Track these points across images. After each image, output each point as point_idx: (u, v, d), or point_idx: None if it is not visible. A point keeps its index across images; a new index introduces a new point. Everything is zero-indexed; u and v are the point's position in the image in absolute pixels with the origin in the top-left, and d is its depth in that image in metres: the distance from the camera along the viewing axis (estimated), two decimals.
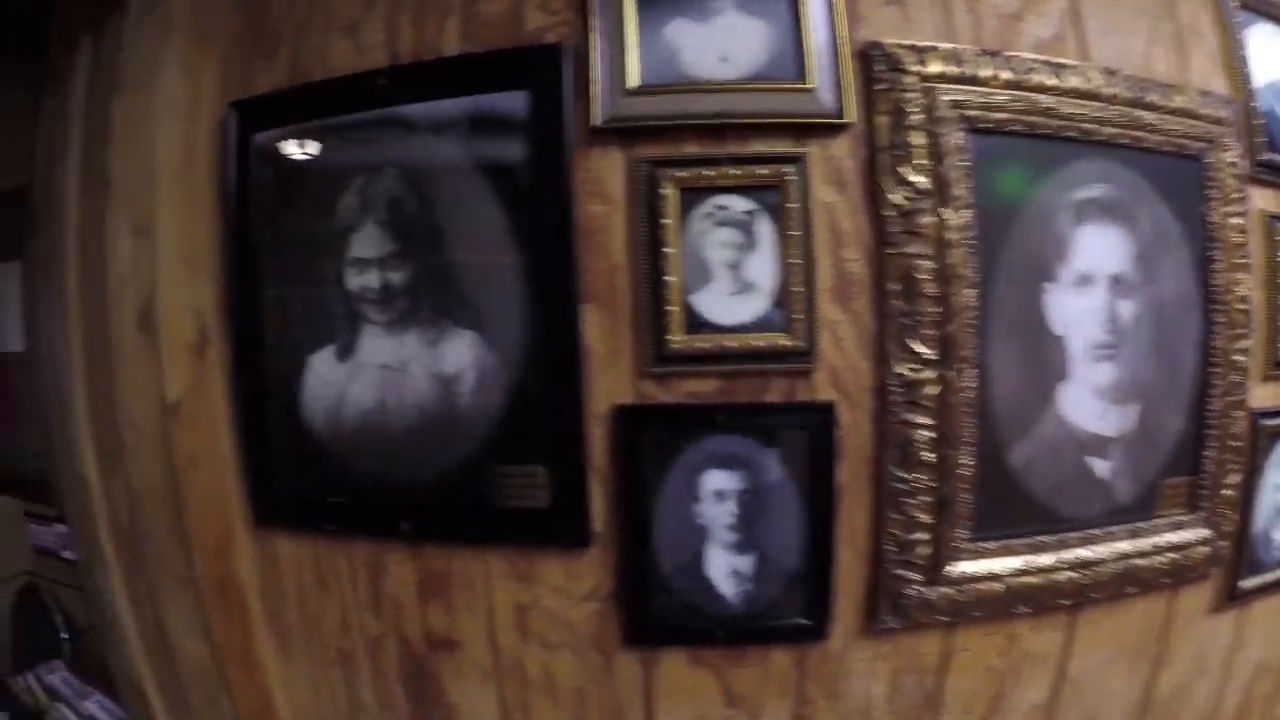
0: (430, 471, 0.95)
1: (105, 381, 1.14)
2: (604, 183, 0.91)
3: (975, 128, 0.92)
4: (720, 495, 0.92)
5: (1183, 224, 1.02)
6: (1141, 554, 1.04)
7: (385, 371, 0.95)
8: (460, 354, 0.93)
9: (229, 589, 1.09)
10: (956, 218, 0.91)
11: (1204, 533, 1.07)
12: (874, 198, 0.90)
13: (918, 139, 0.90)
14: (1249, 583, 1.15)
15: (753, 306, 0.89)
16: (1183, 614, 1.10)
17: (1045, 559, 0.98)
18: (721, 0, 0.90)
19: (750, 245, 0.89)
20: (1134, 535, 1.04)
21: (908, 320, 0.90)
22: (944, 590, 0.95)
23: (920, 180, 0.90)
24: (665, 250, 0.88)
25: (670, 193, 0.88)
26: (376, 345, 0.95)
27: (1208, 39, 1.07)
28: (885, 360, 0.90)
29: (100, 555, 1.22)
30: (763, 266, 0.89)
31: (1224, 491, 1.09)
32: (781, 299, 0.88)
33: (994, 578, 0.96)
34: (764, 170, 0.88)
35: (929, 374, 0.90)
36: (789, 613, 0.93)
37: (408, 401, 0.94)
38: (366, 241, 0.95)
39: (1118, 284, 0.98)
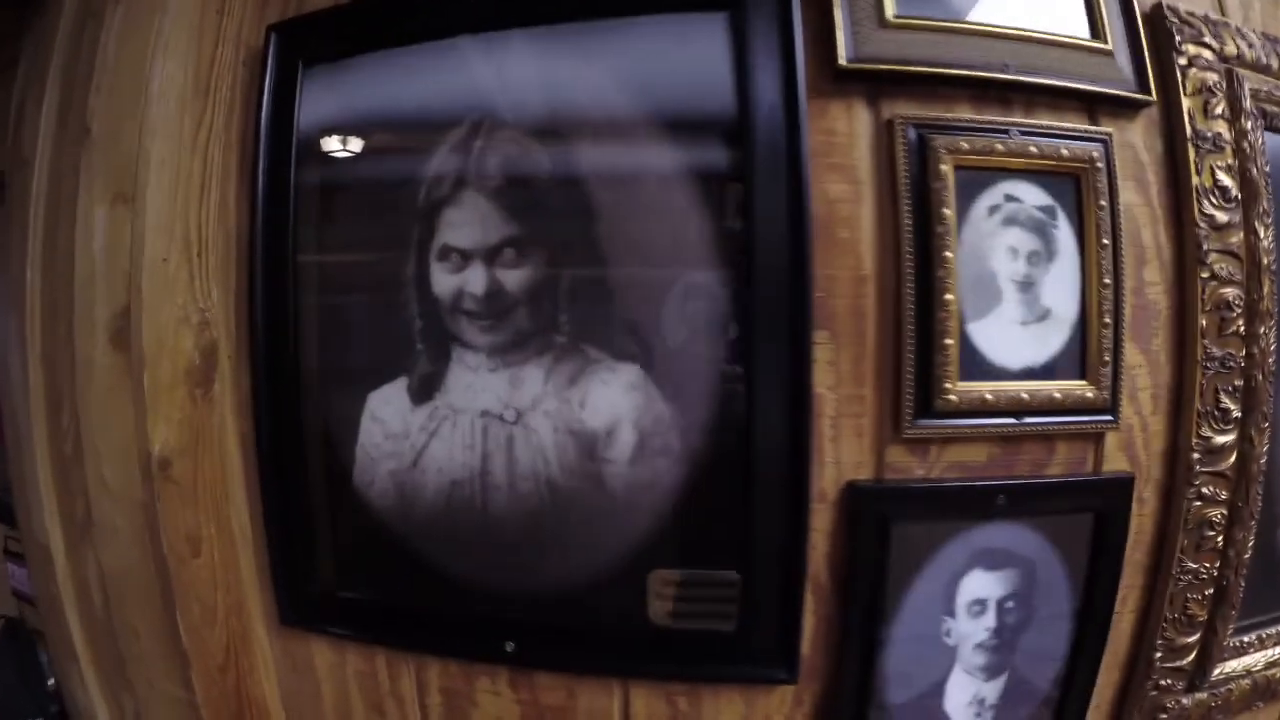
0: (557, 575, 0.42)
1: (72, 422, 0.53)
2: (846, 153, 0.42)
3: (1272, 126, 0.50)
4: (980, 605, 0.44)
5: None
6: None
7: (489, 422, 0.42)
8: (614, 400, 0.41)
9: (245, 712, 0.50)
10: (1266, 238, 0.50)
11: None
12: (1179, 203, 0.46)
13: (1226, 132, 0.47)
14: None
15: (1049, 343, 0.42)
16: None
17: None
18: None
19: (1048, 256, 0.42)
20: None
21: (1217, 366, 0.46)
22: (1200, 696, 0.51)
23: (1232, 185, 0.47)
24: (944, 255, 0.40)
25: (948, 171, 0.40)
26: (476, 382, 0.42)
27: None
28: (1187, 417, 0.46)
29: (69, 649, 0.59)
30: (1063, 287, 0.42)
31: None
32: (1084, 334, 0.43)
33: (1247, 674, 0.53)
34: (1066, 151, 0.42)
35: (1232, 436, 0.47)
36: None
37: (524, 469, 0.42)
38: (466, 221, 0.41)
39: None
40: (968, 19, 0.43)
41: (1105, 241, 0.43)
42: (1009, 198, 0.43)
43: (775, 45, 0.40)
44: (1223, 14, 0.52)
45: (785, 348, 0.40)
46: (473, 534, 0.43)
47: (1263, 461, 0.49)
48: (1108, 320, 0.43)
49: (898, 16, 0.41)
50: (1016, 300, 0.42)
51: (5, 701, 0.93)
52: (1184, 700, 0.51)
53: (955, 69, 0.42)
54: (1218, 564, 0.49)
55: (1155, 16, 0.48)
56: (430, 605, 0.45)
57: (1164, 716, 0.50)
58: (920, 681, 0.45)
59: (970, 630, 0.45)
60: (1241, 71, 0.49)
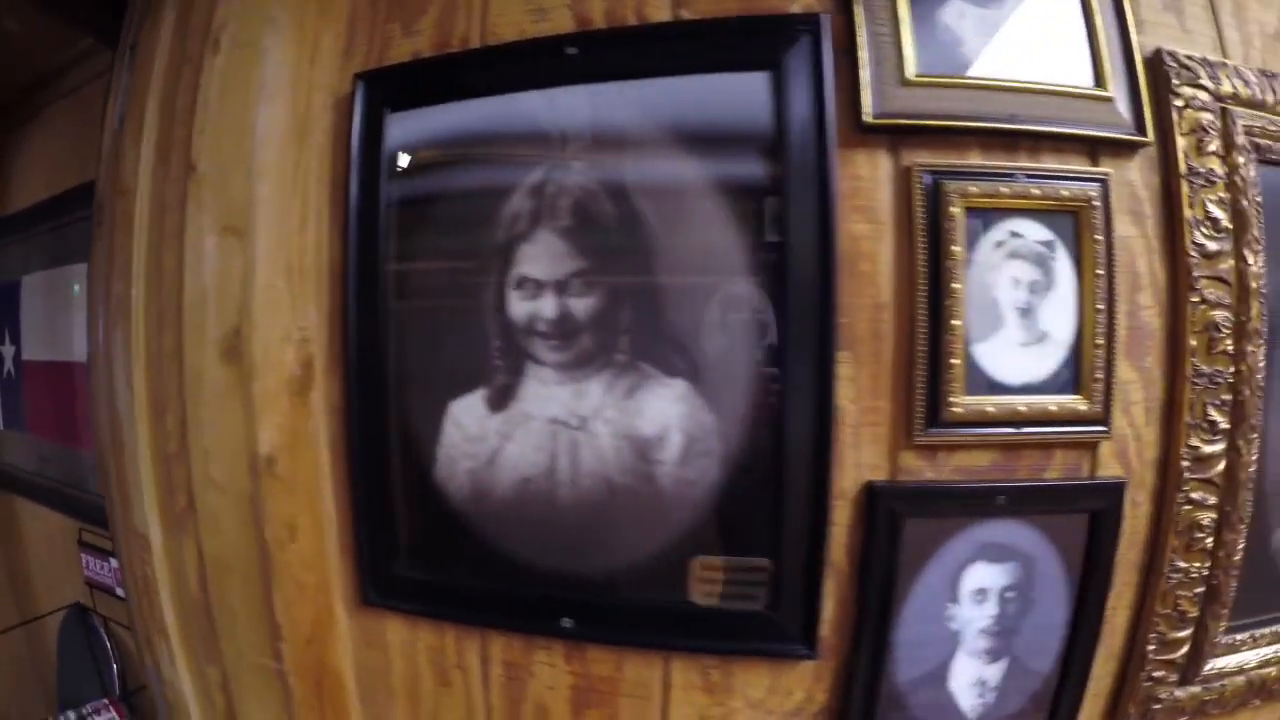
0: (612, 560, 0.56)
1: (176, 425, 0.68)
2: (869, 195, 0.54)
3: (1265, 159, 0.61)
4: (982, 594, 0.57)
5: None
6: None
7: (557, 428, 0.55)
8: (665, 410, 0.54)
9: (323, 683, 0.65)
10: (1256, 264, 0.61)
11: None
12: (1172, 234, 0.58)
13: (1219, 167, 0.59)
14: None
15: (1046, 362, 0.55)
16: None
17: None
18: None
19: (1047, 285, 0.55)
20: None
21: (1205, 382, 0.59)
22: (1194, 690, 0.63)
23: (1223, 217, 0.59)
24: (953, 286, 0.52)
25: (958, 213, 0.53)
26: (547, 393, 0.56)
27: None
28: (1176, 429, 0.58)
29: (161, 627, 0.73)
30: (1060, 312, 0.55)
31: None
32: (1078, 353, 0.55)
33: (1240, 671, 0.65)
34: (1066, 192, 0.54)
35: (1220, 446, 0.59)
36: None
37: (586, 469, 0.55)
38: (540, 256, 0.55)
39: None
40: (981, 75, 0.55)
41: (1100, 272, 0.55)
42: (1013, 234, 0.55)
43: (809, 102, 0.53)
44: (1224, 54, 0.63)
45: (811, 368, 0.53)
46: (539, 524, 0.57)
47: (1251, 470, 0.60)
48: (1100, 342, 0.55)
49: (918, 75, 0.54)
50: (1017, 324, 0.55)
51: (74, 680, 1.12)
52: (1177, 692, 0.63)
53: (964, 120, 0.54)
54: (1207, 564, 0.61)
55: (1154, 62, 0.59)
56: (498, 586, 0.59)
57: (1157, 707, 0.63)
58: (927, 662, 0.58)
59: (973, 616, 0.57)
60: (1236, 109, 0.60)
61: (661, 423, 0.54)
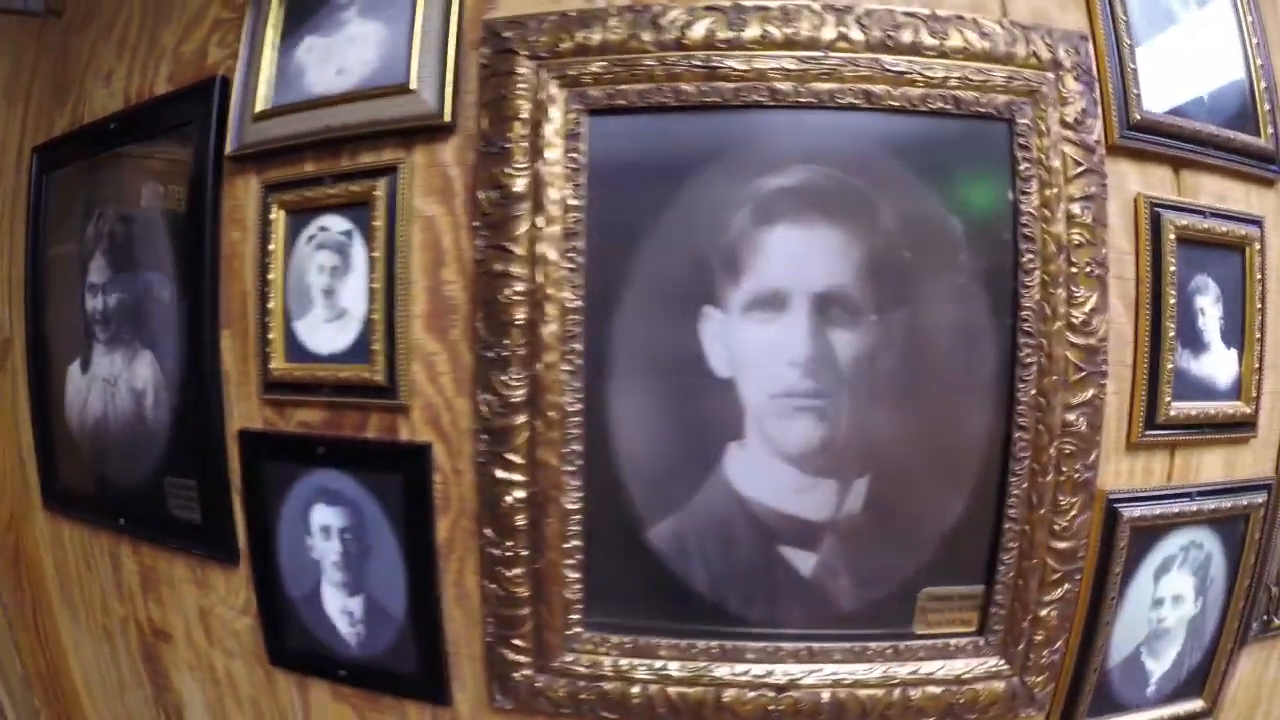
0: (133, 477, 0.86)
1: None
2: (242, 210, 0.75)
3: (599, 107, 0.60)
4: (327, 531, 0.71)
5: (965, 217, 0.61)
6: (880, 683, 0.63)
7: (105, 384, 0.89)
8: (144, 373, 0.83)
9: (20, 561, 1.06)
10: (551, 227, 0.61)
11: (993, 663, 0.64)
12: (474, 208, 0.64)
13: (518, 131, 0.61)
14: None
15: (346, 335, 0.67)
16: None
17: (711, 667, 0.62)
18: (347, 10, 0.70)
19: (345, 269, 0.68)
20: (858, 658, 0.63)
21: (493, 354, 0.62)
22: (560, 681, 0.64)
23: (514, 182, 0.62)
24: (268, 277, 0.70)
25: (277, 216, 0.70)
26: (101, 361, 0.89)
27: None
28: (475, 401, 0.63)
29: None
30: (355, 291, 0.67)
31: (1043, 611, 0.64)
32: (368, 327, 0.66)
33: (625, 678, 0.63)
34: (357, 186, 0.66)
35: (518, 419, 0.62)
36: (404, 666, 0.70)
37: (120, 413, 0.87)
38: (96, 269, 0.89)
39: (828, 307, 0.61)
40: (310, 97, 0.69)
41: (376, 254, 0.65)
42: (322, 228, 0.68)
43: (199, 145, 0.75)
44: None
45: (202, 341, 0.75)
46: (105, 450, 0.90)
47: (567, 450, 0.59)
48: (375, 316, 0.65)
49: (264, 110, 0.70)
50: (323, 304, 0.69)
51: None
52: (537, 680, 0.65)
53: (293, 140, 0.69)
54: (525, 545, 0.61)
55: (482, 39, 0.63)
56: (95, 494, 0.93)
57: (515, 685, 0.65)
58: (303, 583, 0.74)
59: (324, 549, 0.71)
60: (554, 63, 0.60)
61: (143, 381, 0.84)
